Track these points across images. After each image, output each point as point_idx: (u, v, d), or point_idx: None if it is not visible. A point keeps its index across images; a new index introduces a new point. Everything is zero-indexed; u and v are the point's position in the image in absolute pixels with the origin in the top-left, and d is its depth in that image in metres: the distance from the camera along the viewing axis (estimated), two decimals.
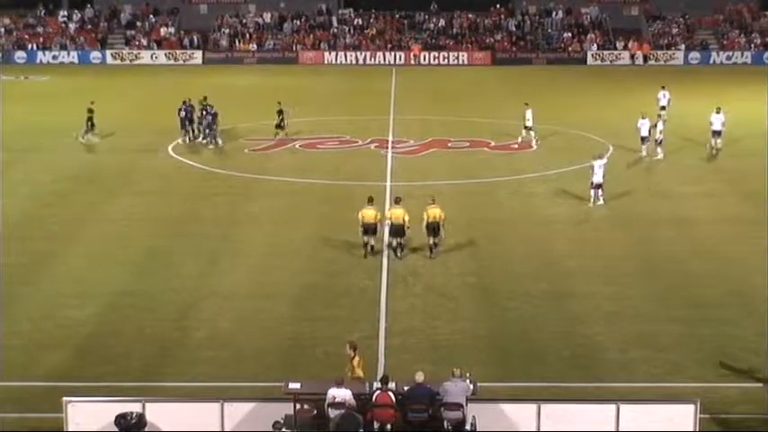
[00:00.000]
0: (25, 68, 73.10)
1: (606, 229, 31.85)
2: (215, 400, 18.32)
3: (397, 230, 28.65)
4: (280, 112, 45.24)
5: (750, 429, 19.15)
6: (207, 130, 44.41)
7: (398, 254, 28.74)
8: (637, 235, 31.14)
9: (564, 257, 28.99)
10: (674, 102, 49.52)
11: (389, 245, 29.01)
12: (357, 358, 19.16)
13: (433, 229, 28.65)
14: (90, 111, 45.24)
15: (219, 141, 44.33)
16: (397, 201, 29.52)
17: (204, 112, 44.50)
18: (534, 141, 44.47)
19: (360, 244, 28.82)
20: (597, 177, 33.89)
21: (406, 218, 28.42)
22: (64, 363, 21.79)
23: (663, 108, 51.15)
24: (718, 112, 42.22)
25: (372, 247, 28.83)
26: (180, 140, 44.54)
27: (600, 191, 34.03)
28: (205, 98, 45.32)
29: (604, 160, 34.80)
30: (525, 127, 44.53)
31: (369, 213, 28.59)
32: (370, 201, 29.23)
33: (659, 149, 41.36)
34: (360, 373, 19.01)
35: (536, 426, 17.97)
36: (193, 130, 44.92)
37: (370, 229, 28.57)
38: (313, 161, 42.11)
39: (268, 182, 38.12)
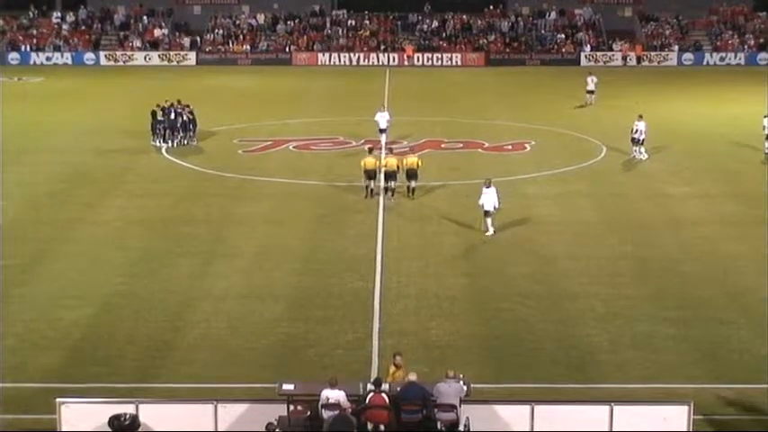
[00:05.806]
0: (19, 70, 72.84)
1: (600, 230, 31.85)
2: (208, 401, 18.32)
3: (390, 175, 34.43)
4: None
5: (744, 430, 19.19)
6: (184, 131, 44.59)
7: (390, 194, 34.40)
8: (630, 236, 31.14)
9: (558, 258, 29.00)
10: (666, 101, 49.61)
11: (384, 189, 34.47)
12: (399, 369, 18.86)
13: (411, 174, 34.51)
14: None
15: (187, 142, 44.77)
16: (390, 150, 36.40)
17: (183, 112, 44.71)
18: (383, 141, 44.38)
19: (362, 187, 34.83)
20: (487, 205, 30.76)
21: (397, 164, 34.41)
22: (57, 364, 21.77)
23: (590, 92, 51.40)
24: None
25: (372, 190, 34.61)
26: (164, 144, 44.19)
27: (489, 219, 30.91)
28: (179, 101, 45.29)
29: (492, 188, 30.89)
30: (380, 130, 44.11)
31: (370, 161, 34.75)
32: (371, 151, 36.21)
33: (637, 149, 41.46)
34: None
35: (529, 426, 17.99)
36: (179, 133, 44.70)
37: (370, 175, 34.48)
38: (307, 162, 42.08)
39: (262, 183, 38.10)
